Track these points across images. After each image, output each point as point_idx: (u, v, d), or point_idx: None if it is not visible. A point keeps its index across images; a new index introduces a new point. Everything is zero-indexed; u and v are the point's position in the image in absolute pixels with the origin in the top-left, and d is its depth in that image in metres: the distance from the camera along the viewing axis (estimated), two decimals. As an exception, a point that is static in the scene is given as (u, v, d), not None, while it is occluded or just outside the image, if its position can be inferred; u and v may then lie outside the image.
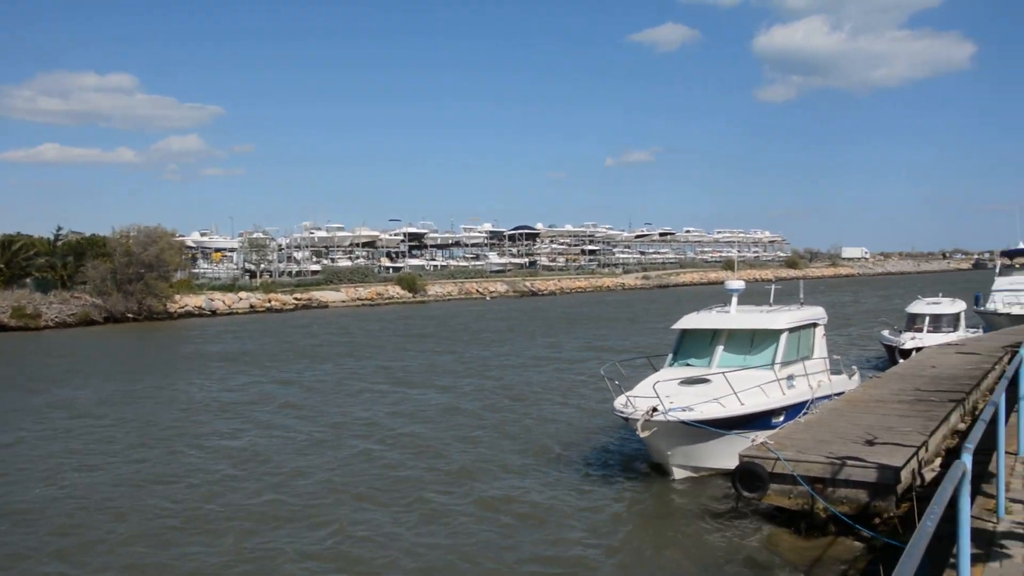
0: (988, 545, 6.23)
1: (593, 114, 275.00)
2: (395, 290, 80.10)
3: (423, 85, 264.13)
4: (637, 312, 60.55)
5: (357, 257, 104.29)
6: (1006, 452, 8.91)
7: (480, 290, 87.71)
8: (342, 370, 30.54)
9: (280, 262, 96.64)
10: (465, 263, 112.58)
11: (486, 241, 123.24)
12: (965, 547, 4.52)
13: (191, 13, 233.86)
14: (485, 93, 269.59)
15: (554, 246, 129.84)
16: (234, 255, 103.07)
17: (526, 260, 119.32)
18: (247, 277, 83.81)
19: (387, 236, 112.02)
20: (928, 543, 3.49)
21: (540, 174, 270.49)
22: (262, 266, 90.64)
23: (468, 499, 14.00)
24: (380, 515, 13.20)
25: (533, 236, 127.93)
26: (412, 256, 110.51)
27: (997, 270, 40.14)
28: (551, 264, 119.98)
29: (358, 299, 75.60)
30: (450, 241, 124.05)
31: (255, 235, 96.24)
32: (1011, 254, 44.31)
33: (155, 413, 22.37)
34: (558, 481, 14.95)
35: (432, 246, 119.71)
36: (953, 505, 4.43)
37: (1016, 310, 30.70)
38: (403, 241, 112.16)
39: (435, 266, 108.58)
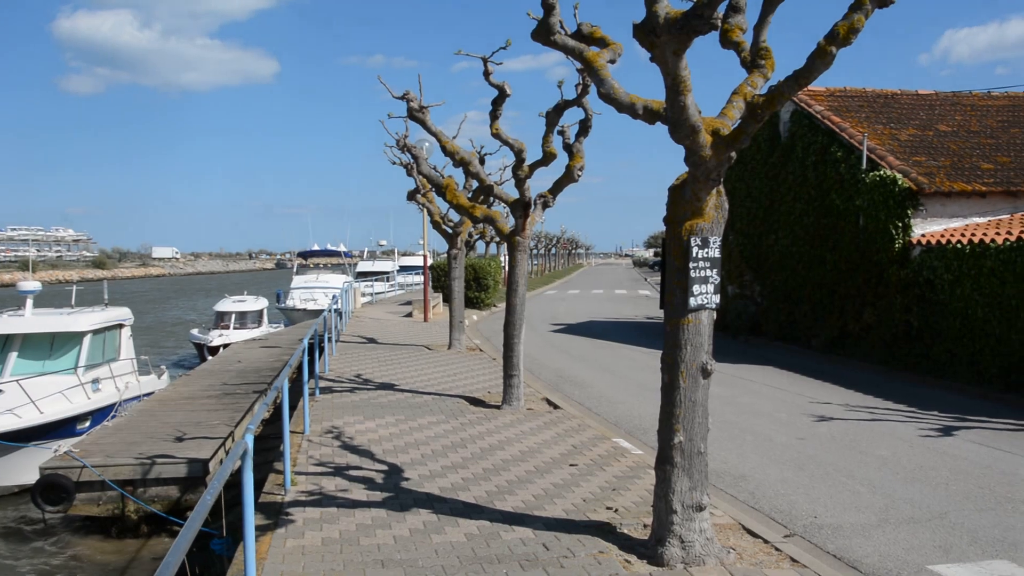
0: (277, 514, 7.01)
1: None
2: None
3: None
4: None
5: None
6: (297, 432, 10.09)
7: None
8: None
9: None
10: None
11: None
12: (250, 517, 5.13)
13: None
14: None
15: None
16: None
17: None
18: None
19: None
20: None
21: None
22: None
23: None
24: None
25: None
26: None
27: (295, 269, 44.42)
28: None
29: None
30: None
31: None
32: (306, 255, 49.54)
33: None
34: None
35: None
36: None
37: (311, 305, 34.15)
38: None
39: None
